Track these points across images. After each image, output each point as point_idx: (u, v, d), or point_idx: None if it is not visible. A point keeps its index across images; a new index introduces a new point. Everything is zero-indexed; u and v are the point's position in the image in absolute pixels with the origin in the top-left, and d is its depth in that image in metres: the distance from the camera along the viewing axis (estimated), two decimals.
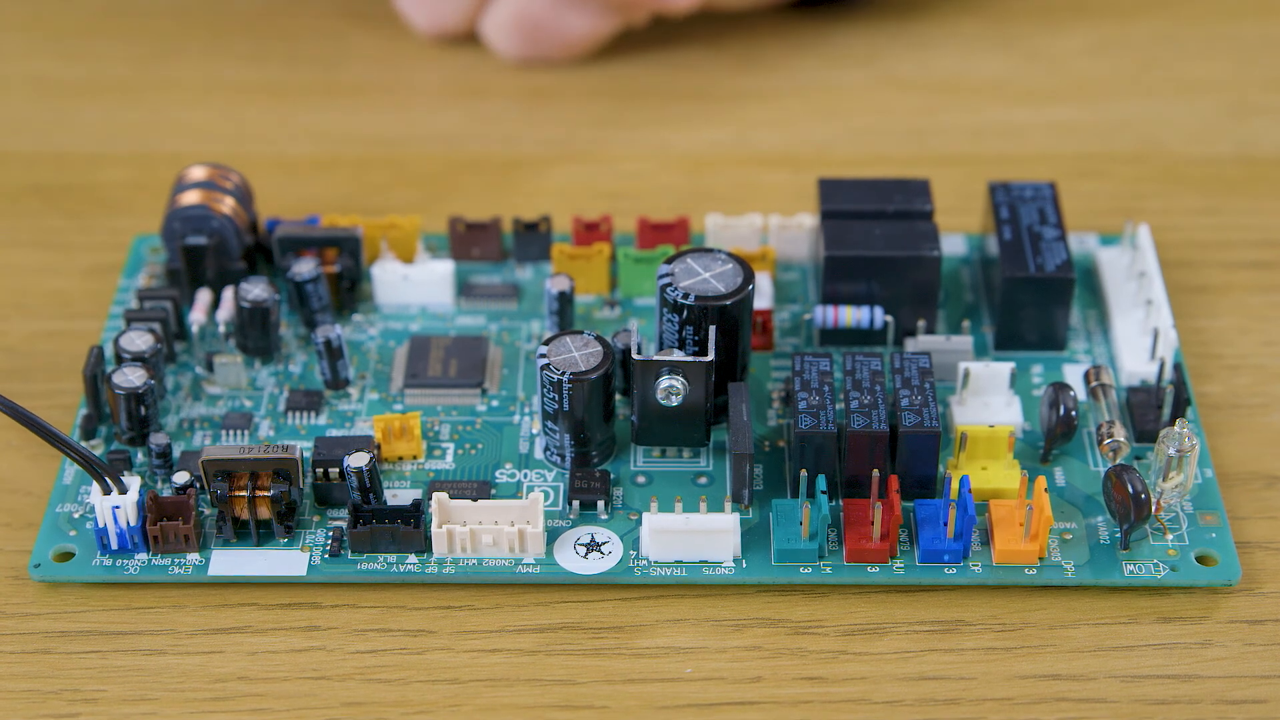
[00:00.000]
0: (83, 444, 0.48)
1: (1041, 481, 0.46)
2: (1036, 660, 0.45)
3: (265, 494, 0.46)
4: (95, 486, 0.46)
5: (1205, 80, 0.64)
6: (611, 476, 0.48)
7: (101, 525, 0.46)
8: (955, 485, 0.46)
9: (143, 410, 0.48)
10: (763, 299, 0.52)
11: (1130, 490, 0.46)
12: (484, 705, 0.44)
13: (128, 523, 0.46)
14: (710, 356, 0.48)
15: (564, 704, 0.44)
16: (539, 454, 0.49)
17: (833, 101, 0.62)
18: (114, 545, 0.46)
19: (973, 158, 0.61)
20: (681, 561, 0.46)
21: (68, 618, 0.46)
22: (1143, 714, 0.43)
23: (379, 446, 0.49)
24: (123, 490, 0.46)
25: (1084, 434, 0.50)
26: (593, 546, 0.47)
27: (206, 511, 0.47)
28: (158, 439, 0.48)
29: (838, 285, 0.52)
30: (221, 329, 0.51)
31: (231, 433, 0.50)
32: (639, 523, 0.47)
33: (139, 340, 0.50)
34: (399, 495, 0.48)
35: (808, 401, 0.47)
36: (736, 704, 0.44)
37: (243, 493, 0.46)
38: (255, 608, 0.46)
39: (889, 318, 0.52)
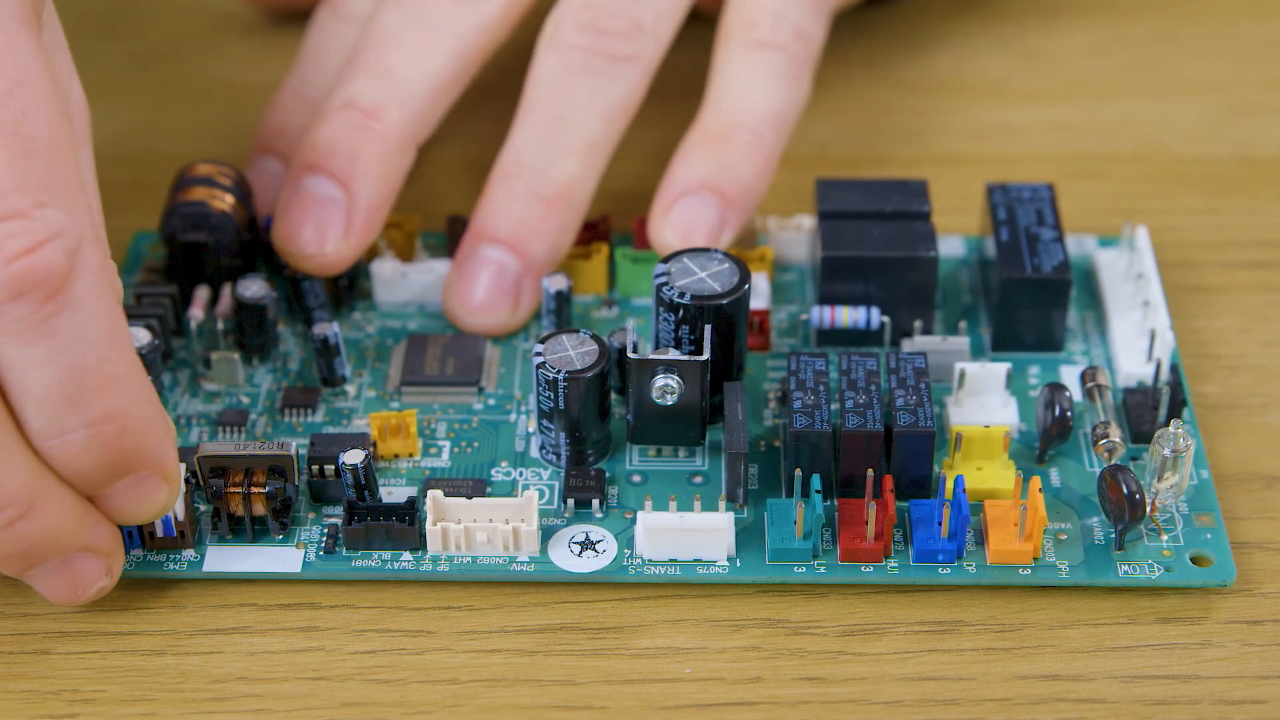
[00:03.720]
0: None
1: (1036, 482, 0.46)
2: (1036, 661, 0.45)
3: (260, 490, 0.46)
4: None
5: (1205, 80, 0.64)
6: (607, 475, 0.48)
7: None
8: (950, 485, 0.46)
9: None
10: (760, 299, 0.52)
11: (1125, 490, 0.46)
12: (483, 706, 0.44)
13: (174, 513, 0.46)
14: (706, 356, 0.48)
15: (563, 704, 0.44)
16: (535, 452, 0.49)
17: (831, 101, 0.62)
18: (159, 532, 0.46)
19: (971, 158, 0.61)
20: (676, 560, 0.46)
21: (67, 618, 0.46)
22: (1142, 714, 0.43)
23: (375, 444, 0.49)
24: None
25: (1080, 434, 0.50)
26: (587, 545, 0.47)
27: (202, 508, 0.47)
28: None
29: (835, 286, 0.52)
30: (220, 326, 0.51)
31: (227, 429, 0.50)
32: (634, 521, 0.47)
33: (136, 336, 0.50)
34: (394, 493, 0.48)
35: (803, 401, 0.47)
36: (736, 704, 0.44)
37: (238, 489, 0.46)
38: (254, 608, 0.46)
39: (885, 318, 0.52)
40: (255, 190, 0.54)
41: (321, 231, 0.51)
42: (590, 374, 0.47)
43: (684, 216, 0.52)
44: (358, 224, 0.51)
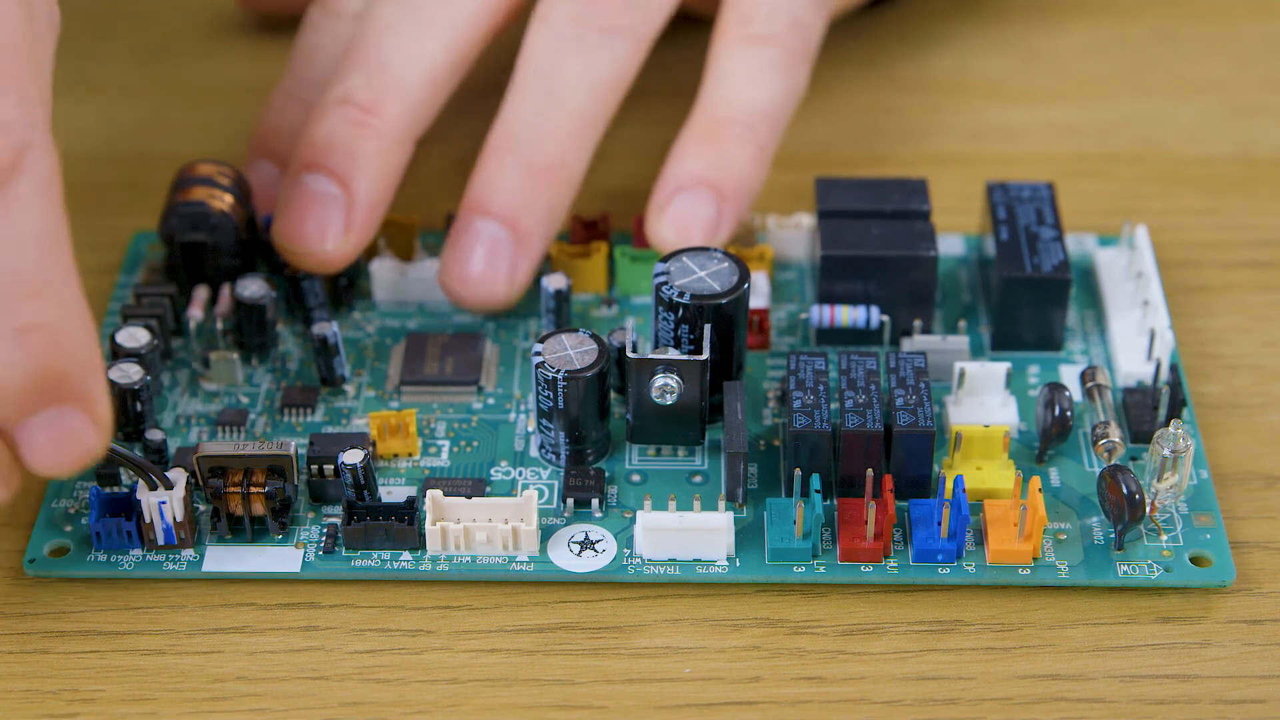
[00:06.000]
0: (122, 444, 0.46)
1: (1036, 481, 0.46)
2: (1035, 660, 0.45)
3: (260, 490, 0.46)
4: (140, 483, 0.46)
5: (1204, 80, 0.64)
6: (606, 475, 0.48)
7: (148, 519, 0.46)
8: (949, 485, 0.46)
9: (138, 406, 0.48)
10: (759, 298, 0.52)
11: (1124, 491, 0.46)
12: (482, 705, 0.44)
13: (174, 517, 0.46)
14: (705, 355, 0.48)
15: (563, 704, 0.44)
16: (534, 452, 0.49)
17: (831, 101, 0.62)
18: (160, 540, 0.46)
19: (971, 158, 0.61)
20: (675, 560, 0.46)
21: (66, 618, 0.46)
22: (1141, 714, 0.43)
23: (374, 444, 0.49)
24: (168, 486, 0.46)
25: (1079, 434, 0.50)
26: (586, 544, 0.47)
27: (201, 508, 0.47)
28: (153, 435, 0.48)
29: (834, 285, 0.52)
30: (219, 325, 0.51)
31: (227, 429, 0.50)
32: (633, 521, 0.47)
33: (135, 336, 0.50)
34: (394, 493, 0.48)
35: (802, 401, 0.47)
36: (735, 704, 0.44)
37: (237, 489, 0.46)
38: (253, 607, 0.46)
39: (885, 317, 0.52)
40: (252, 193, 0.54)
41: (321, 229, 0.51)
42: (590, 373, 0.47)
43: (680, 213, 0.52)
44: (357, 220, 0.51)
